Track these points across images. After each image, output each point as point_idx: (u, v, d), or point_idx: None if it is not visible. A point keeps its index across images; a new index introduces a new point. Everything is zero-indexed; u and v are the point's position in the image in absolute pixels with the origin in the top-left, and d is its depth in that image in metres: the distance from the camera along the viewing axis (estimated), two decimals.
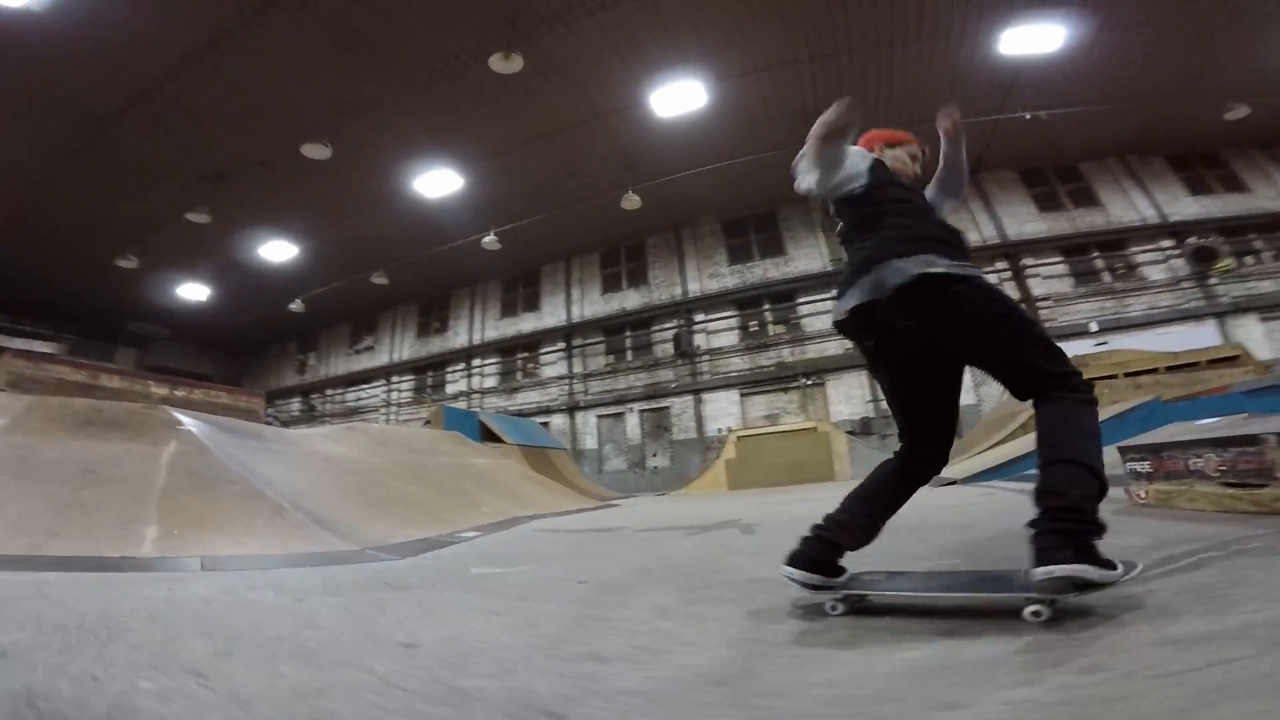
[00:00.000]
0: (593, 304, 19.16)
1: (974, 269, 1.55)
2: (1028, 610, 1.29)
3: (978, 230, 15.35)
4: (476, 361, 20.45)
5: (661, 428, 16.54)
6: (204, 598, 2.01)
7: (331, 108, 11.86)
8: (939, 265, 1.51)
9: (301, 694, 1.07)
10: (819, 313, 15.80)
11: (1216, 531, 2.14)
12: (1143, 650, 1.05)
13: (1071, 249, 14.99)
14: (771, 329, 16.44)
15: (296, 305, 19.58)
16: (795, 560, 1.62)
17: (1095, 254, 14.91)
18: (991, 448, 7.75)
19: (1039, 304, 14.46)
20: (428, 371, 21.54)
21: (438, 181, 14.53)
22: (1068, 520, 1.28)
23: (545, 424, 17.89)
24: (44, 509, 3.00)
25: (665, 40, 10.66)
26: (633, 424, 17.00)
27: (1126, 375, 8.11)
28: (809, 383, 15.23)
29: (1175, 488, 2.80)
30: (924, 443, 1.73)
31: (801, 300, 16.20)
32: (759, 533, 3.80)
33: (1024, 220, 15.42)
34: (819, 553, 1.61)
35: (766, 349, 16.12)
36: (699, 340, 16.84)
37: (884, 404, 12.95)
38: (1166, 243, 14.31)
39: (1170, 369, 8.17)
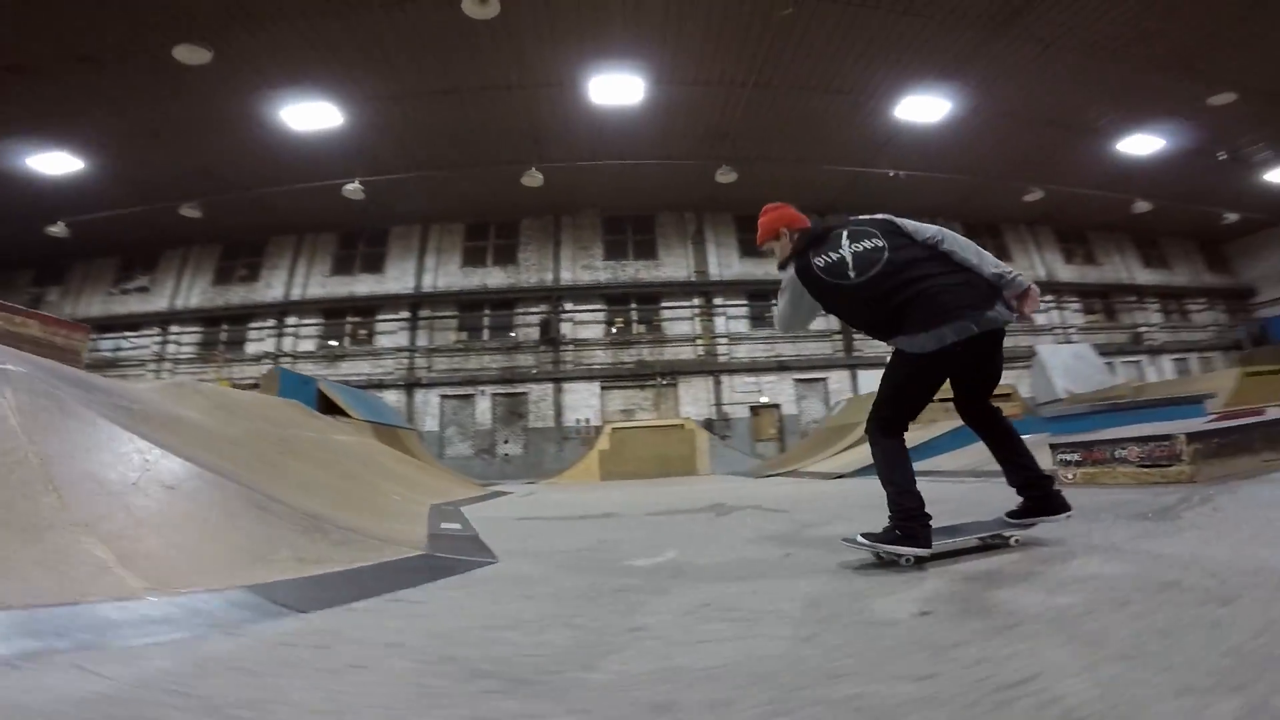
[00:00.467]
0: (449, 275, 17.71)
1: None
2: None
3: None
4: (292, 319, 17.43)
5: (517, 414, 15.94)
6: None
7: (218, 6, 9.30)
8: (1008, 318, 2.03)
9: None
10: (679, 318, 16.83)
11: (1140, 495, 2.99)
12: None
13: None
14: (636, 328, 16.98)
15: (58, 229, 14.71)
16: (924, 542, 1.89)
17: None
18: (852, 446, 9.11)
19: (855, 334, 17.29)
20: (222, 324, 17.70)
21: (312, 114, 12.18)
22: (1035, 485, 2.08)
23: (380, 399, 15.97)
24: None
25: (621, 29, 10.46)
26: (483, 407, 16.09)
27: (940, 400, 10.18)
28: (665, 382, 16.07)
29: (1100, 470, 3.72)
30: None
31: (666, 305, 17.06)
32: (758, 514, 3.99)
33: None
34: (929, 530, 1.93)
35: (629, 346, 16.60)
36: (565, 329, 16.67)
37: (725, 407, 14.33)
38: None
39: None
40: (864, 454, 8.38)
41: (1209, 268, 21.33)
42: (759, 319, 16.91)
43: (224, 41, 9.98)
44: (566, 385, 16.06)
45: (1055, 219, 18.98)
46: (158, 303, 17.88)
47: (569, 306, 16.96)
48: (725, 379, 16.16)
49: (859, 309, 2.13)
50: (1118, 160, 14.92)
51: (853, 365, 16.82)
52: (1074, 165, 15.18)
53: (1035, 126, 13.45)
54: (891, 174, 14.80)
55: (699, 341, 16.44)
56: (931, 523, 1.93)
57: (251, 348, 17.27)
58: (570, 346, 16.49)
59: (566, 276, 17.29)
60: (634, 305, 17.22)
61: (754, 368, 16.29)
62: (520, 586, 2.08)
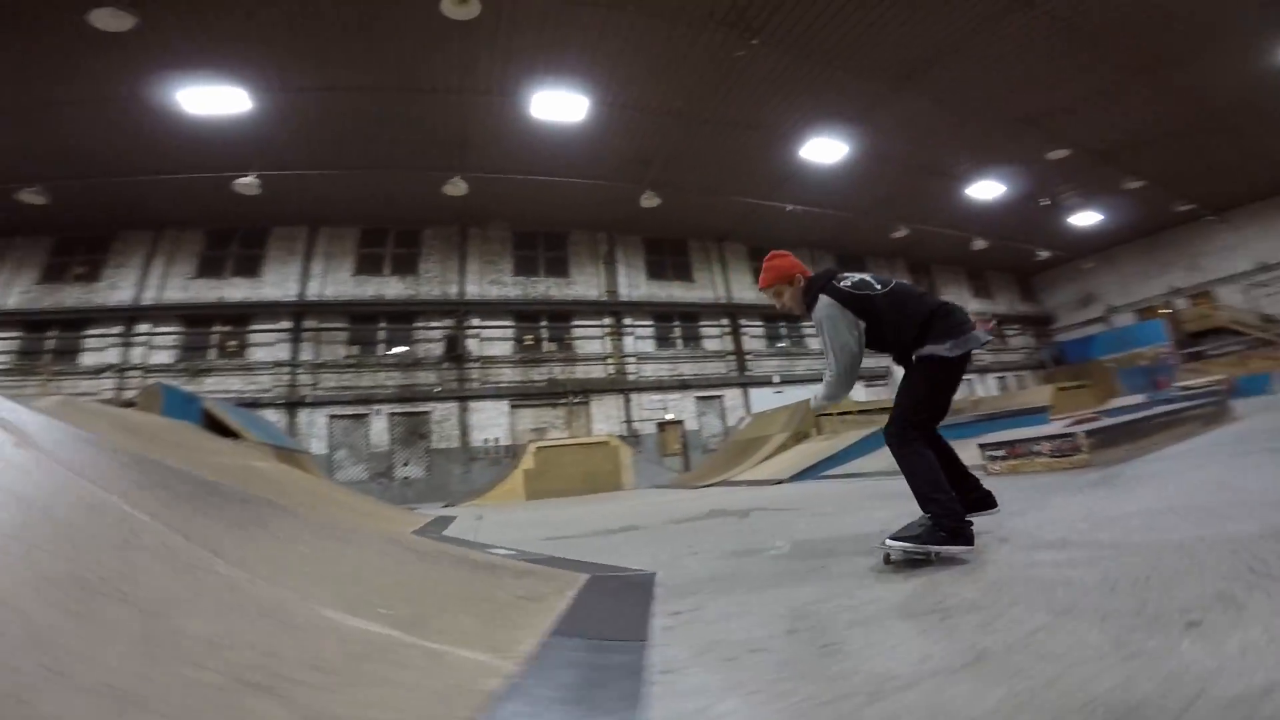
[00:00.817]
0: (339, 283, 16.40)
1: None
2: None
3: (713, 289, 19.05)
4: (144, 327, 15.05)
5: (418, 434, 15.03)
6: None
7: None
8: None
9: None
10: (591, 337, 17.00)
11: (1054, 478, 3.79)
12: None
13: (768, 317, 19.70)
14: (546, 345, 16.86)
15: None
16: (968, 538, 2.12)
17: (781, 324, 19.94)
18: (770, 457, 9.82)
19: (746, 356, 18.58)
20: (49, 330, 14.79)
21: (217, 98, 10.83)
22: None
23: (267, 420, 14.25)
24: None
25: (577, 52, 10.61)
26: (379, 428, 14.98)
27: (841, 414, 11.35)
28: (577, 400, 16.10)
29: (1022, 462, 4.53)
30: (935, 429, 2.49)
31: (577, 324, 17.16)
32: (780, 515, 4.26)
33: (746, 287, 19.65)
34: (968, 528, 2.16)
35: (539, 364, 16.43)
36: (471, 345, 16.11)
37: (634, 424, 14.73)
38: None
39: (860, 411, 11.72)
40: (788, 462, 9.11)
41: (1022, 298, 25.83)
42: (664, 339, 17.66)
43: (154, 6, 8.71)
44: (473, 404, 15.50)
45: (910, 254, 21.92)
46: None
47: (476, 322, 16.45)
48: (634, 396, 16.56)
49: (888, 319, 2.31)
50: (965, 203, 17.61)
51: (744, 384, 18.05)
52: (932, 206, 17.75)
53: (909, 171, 15.65)
54: (789, 208, 16.34)
55: (609, 360, 16.71)
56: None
57: (90, 359, 14.61)
58: (477, 364, 15.96)
59: (473, 290, 16.77)
60: (545, 323, 17.12)
61: (660, 386, 16.88)
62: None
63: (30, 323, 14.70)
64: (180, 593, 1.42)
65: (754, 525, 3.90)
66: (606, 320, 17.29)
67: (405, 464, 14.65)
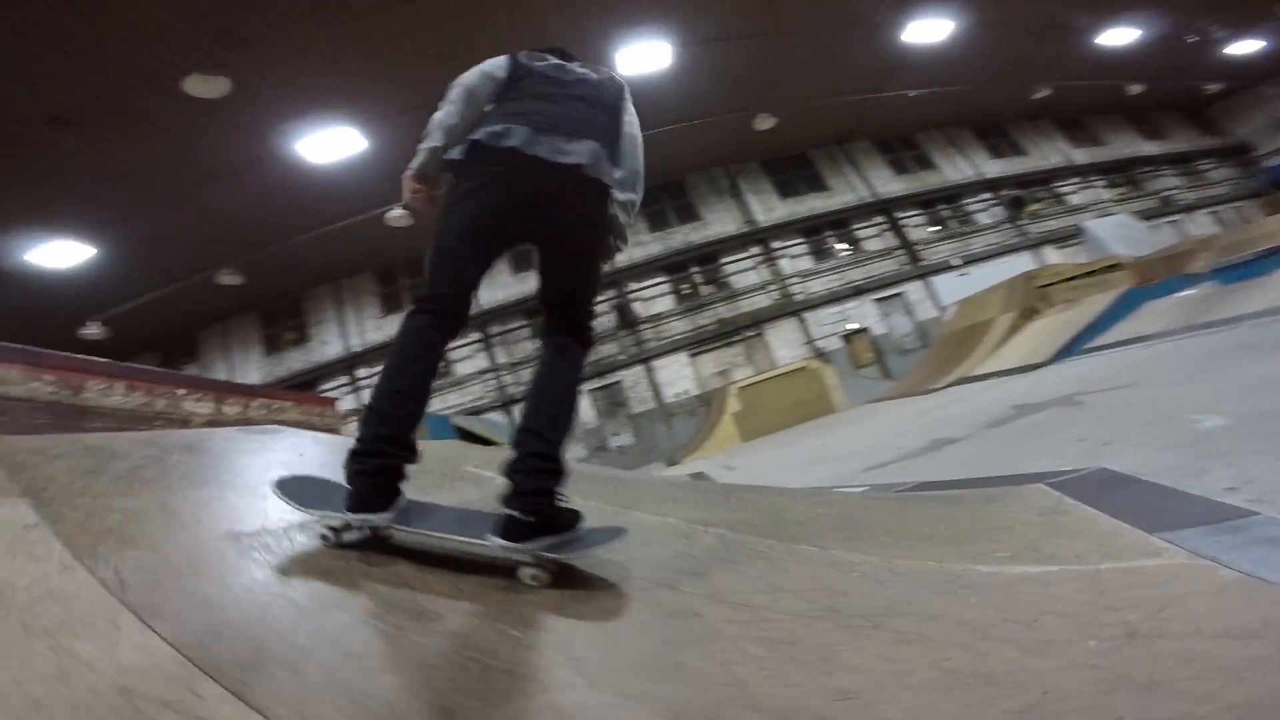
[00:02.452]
0: (503, 287, 17.49)
1: None
2: None
3: (853, 190, 17.92)
4: (363, 371, 17.23)
5: (617, 404, 16.06)
6: None
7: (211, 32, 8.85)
8: None
9: None
10: (743, 270, 16.82)
11: None
12: None
13: (924, 203, 18.30)
14: (704, 290, 16.97)
15: (95, 330, 14.16)
16: None
17: (941, 207, 18.43)
18: (1004, 342, 9.33)
19: (915, 246, 17.45)
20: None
21: (332, 142, 11.83)
22: None
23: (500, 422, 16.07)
24: None
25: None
26: (583, 406, 16.14)
27: (1066, 280, 10.40)
28: (751, 334, 16.18)
29: None
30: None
31: (726, 260, 17.01)
32: (1113, 398, 3.76)
33: (888, 180, 18.33)
34: None
35: (703, 309, 16.63)
36: (636, 308, 16.63)
37: (816, 343, 14.51)
38: (986, 195, 18.40)
39: (1086, 274, 10.68)
40: (1034, 343, 8.62)
41: (1202, 132, 22.11)
42: (820, 253, 17.03)
43: (239, 65, 9.55)
44: (656, 363, 16.13)
45: (1057, 111, 19.48)
46: None
47: (633, 286, 16.87)
48: (808, 315, 16.30)
49: None
50: (1102, 53, 16.21)
51: (922, 275, 17.03)
52: (1066, 62, 16.23)
53: (1029, 32, 14.42)
54: (911, 94, 15.03)
55: (770, 287, 16.49)
56: None
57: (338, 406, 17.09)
58: (647, 324, 16.48)
59: (619, 258, 17.09)
60: (695, 269, 17.16)
61: (833, 298, 16.42)
62: None
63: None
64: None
65: (1114, 409, 3.26)
66: (754, 249, 16.96)
67: (614, 434, 15.77)
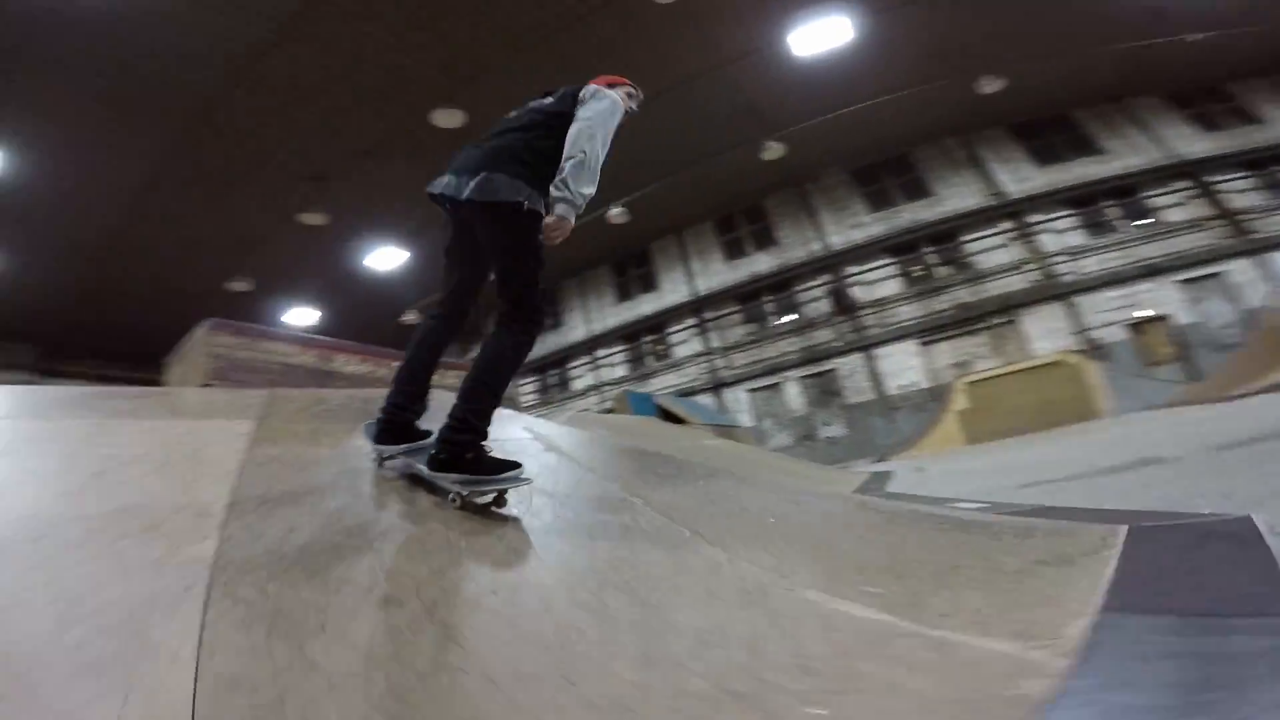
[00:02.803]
0: (718, 274, 18.14)
1: None
2: None
3: (1137, 154, 14.15)
4: (601, 352, 19.62)
5: (830, 393, 15.47)
6: None
7: (442, 69, 11.29)
8: None
9: None
10: (990, 249, 14.52)
11: None
12: None
13: (1249, 163, 13.46)
14: (938, 271, 15.16)
15: (410, 317, 18.92)
16: None
17: (1276, 168, 13.37)
18: None
19: (1238, 217, 13.02)
20: (549, 371, 20.78)
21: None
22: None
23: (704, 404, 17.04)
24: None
25: None
26: (793, 393, 15.98)
27: None
28: (998, 321, 13.97)
29: None
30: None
31: (966, 239, 14.90)
32: None
33: (1188, 139, 13.98)
34: None
35: (938, 293, 14.88)
36: (857, 293, 15.68)
37: (1090, 333, 11.69)
38: None
39: None
40: None
41: None
42: (1096, 226, 13.79)
43: (468, 97, 11.56)
44: (877, 351, 15.05)
45: None
46: None
47: (852, 270, 15.92)
48: (1079, 300, 13.43)
49: None
50: None
51: (1252, 250, 12.62)
52: None
53: None
54: (1189, 38, 11.38)
55: (1027, 267, 13.96)
56: None
57: (577, 384, 19.90)
58: (869, 310, 15.42)
59: (836, 241, 16.31)
60: (928, 249, 15.41)
61: (1116, 279, 13.23)
62: None
63: (534, 369, 20.83)
64: (670, 578, 1.54)
65: None
66: (1003, 225, 14.50)
67: (825, 424, 15.24)
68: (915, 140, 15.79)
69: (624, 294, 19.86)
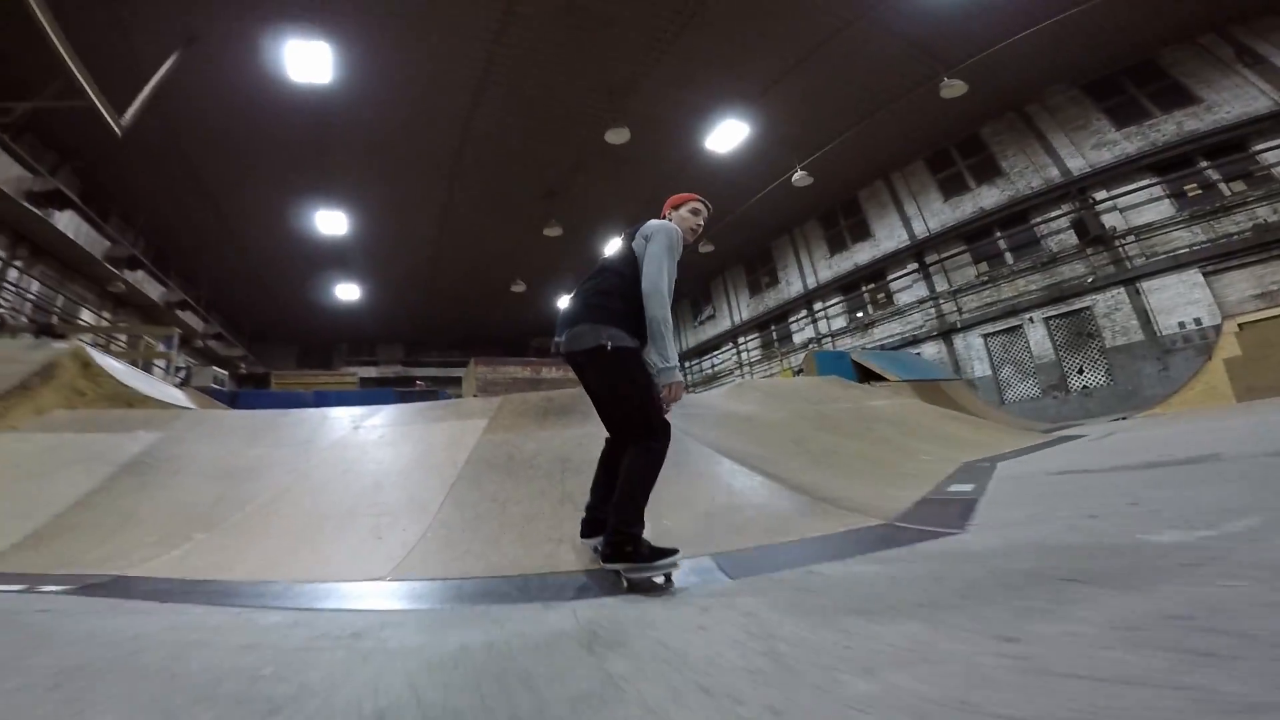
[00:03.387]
0: (937, 214, 17.67)
1: None
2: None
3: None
4: (818, 305, 20.83)
5: (1084, 334, 14.84)
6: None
7: (605, 94, 13.61)
8: None
9: None
10: None
11: None
12: None
13: None
14: (1227, 188, 13.04)
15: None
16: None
17: None
18: None
19: None
20: (770, 326, 22.77)
21: (726, 135, 15.57)
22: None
23: (917, 355, 17.59)
24: (539, 508, 3.21)
25: None
26: (1037, 337, 15.60)
27: None
28: None
29: None
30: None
31: (1260, 147, 12.41)
32: None
33: None
34: None
35: (1226, 212, 12.93)
36: (1112, 220, 14.29)
37: None
38: None
39: None
40: None
41: None
42: None
43: (624, 116, 13.91)
44: (1145, 284, 13.82)
45: None
46: (723, 324, 24.60)
47: (1102, 194, 14.40)
48: None
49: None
50: None
51: None
52: None
53: None
54: None
55: None
56: None
57: (798, 337, 21.61)
58: (1129, 238, 14.06)
59: (1076, 164, 14.75)
60: (1203, 163, 13.20)
61: None
62: (945, 566, 2.00)
63: (758, 324, 22.93)
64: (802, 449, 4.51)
65: None
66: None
67: (1080, 371, 14.79)
68: (1166, 40, 13.51)
69: (837, 244, 20.44)
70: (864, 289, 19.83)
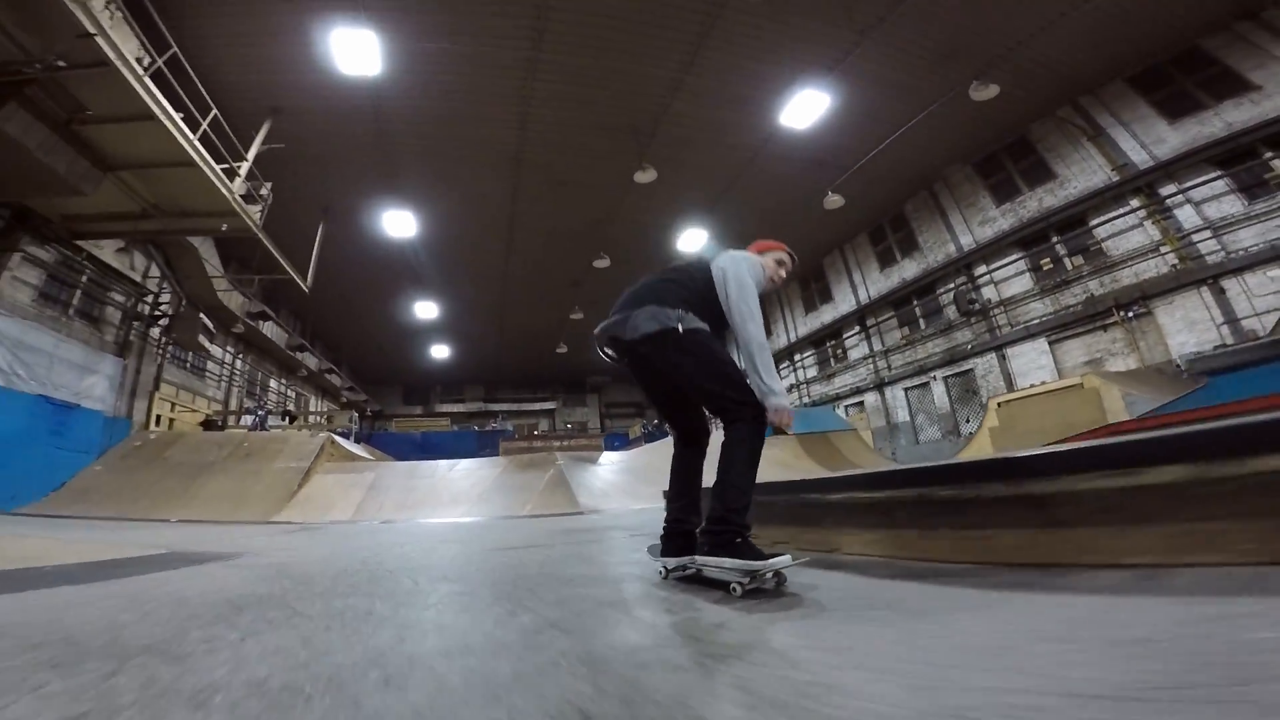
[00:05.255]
0: (875, 282, 20.18)
1: None
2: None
3: None
4: (797, 356, 23.91)
5: (969, 391, 16.73)
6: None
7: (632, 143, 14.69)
8: None
9: None
10: (1120, 231, 13.36)
11: None
12: None
13: None
14: (1069, 263, 14.56)
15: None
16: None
17: None
18: None
19: None
20: (825, 343, 25.48)
21: (692, 238, 18.85)
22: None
23: (859, 403, 20.12)
24: (520, 499, 8.57)
25: None
26: (939, 392, 17.62)
27: None
28: (1131, 314, 13.21)
29: None
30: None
31: (1095, 222, 13.87)
32: None
33: None
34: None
35: (1066, 286, 14.48)
36: (989, 293, 16.21)
37: (1242, 322, 10.80)
38: None
39: None
40: None
41: None
42: (1250, 189, 11.36)
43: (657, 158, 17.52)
44: (1009, 350, 15.62)
45: None
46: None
47: (983, 269, 16.33)
48: (1230, 282, 11.85)
49: None
50: None
51: None
52: None
53: None
54: None
55: (1164, 248, 12.67)
56: None
57: (854, 354, 24.66)
58: (999, 309, 15.89)
59: (966, 241, 16.76)
60: (1055, 239, 14.78)
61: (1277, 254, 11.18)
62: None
63: None
64: None
65: None
66: (1133, 203, 13.04)
67: (967, 420, 16.67)
68: (1024, 120, 15.05)
69: (809, 305, 23.50)
70: (828, 344, 22.58)
